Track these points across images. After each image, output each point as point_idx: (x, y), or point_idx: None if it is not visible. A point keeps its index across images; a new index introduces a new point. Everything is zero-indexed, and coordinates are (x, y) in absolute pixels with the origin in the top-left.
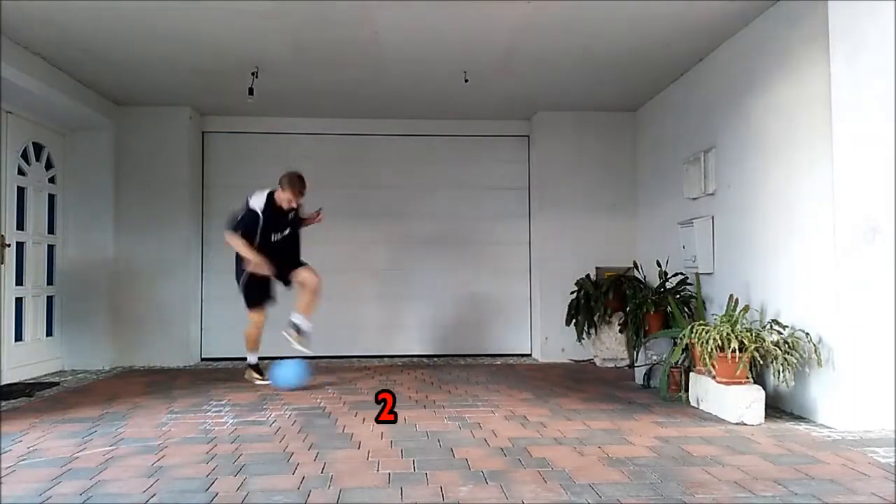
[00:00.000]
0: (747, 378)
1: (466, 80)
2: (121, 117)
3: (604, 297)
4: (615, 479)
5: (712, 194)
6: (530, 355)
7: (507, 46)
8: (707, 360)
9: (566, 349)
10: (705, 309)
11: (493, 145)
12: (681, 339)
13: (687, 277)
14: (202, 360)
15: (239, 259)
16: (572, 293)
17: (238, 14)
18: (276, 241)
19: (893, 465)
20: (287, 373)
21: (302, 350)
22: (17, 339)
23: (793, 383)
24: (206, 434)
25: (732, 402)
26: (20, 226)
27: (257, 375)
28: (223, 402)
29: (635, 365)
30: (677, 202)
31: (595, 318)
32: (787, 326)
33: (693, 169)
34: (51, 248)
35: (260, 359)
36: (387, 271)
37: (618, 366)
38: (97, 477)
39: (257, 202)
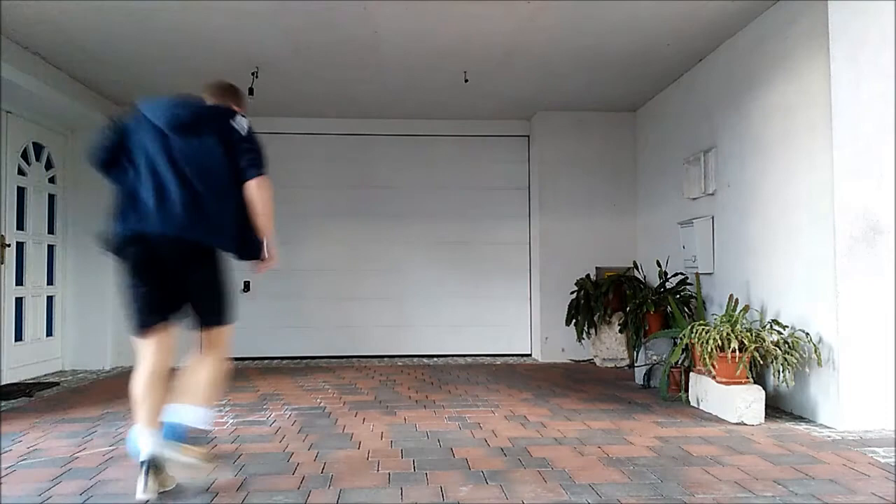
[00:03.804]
0: (747, 378)
1: (466, 80)
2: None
3: (604, 297)
4: (615, 479)
5: (712, 194)
6: (530, 355)
7: (507, 46)
8: (707, 360)
9: (566, 349)
10: (705, 309)
11: (493, 145)
12: (681, 339)
13: (687, 277)
14: None
15: (246, 222)
16: (572, 293)
17: (238, 14)
18: None
19: (893, 465)
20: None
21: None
22: (17, 339)
23: (793, 383)
24: (206, 434)
25: (732, 402)
26: (20, 226)
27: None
28: (223, 402)
29: (635, 365)
30: (677, 202)
31: (595, 318)
32: (787, 326)
33: (693, 169)
34: (51, 248)
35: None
36: (386, 271)
37: (618, 366)
38: (97, 477)
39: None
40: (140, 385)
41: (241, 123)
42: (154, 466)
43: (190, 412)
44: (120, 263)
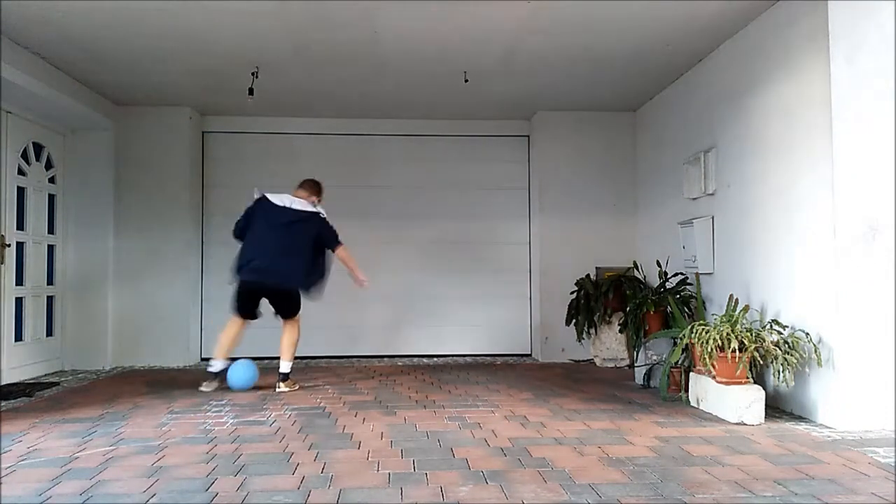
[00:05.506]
0: (747, 378)
1: (466, 80)
2: (121, 117)
3: (604, 297)
4: (615, 479)
5: (712, 194)
6: (530, 355)
7: (507, 46)
8: (707, 360)
9: (566, 349)
10: (705, 309)
11: (493, 145)
12: (681, 339)
13: (687, 277)
14: (202, 359)
15: (322, 269)
16: (572, 293)
17: (238, 14)
18: None
19: (893, 465)
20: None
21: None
22: (17, 339)
23: (793, 383)
24: (206, 434)
25: (732, 402)
26: (20, 226)
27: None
28: (223, 402)
29: (635, 365)
30: (677, 202)
31: (595, 318)
32: (787, 326)
33: (693, 169)
34: (51, 248)
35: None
36: (386, 271)
37: (618, 366)
38: (97, 477)
39: None
40: (227, 337)
41: (324, 217)
42: (217, 375)
43: (283, 364)
44: (238, 288)
